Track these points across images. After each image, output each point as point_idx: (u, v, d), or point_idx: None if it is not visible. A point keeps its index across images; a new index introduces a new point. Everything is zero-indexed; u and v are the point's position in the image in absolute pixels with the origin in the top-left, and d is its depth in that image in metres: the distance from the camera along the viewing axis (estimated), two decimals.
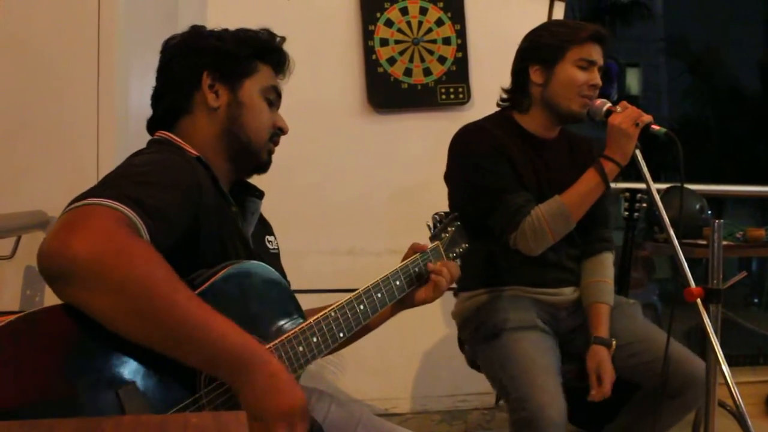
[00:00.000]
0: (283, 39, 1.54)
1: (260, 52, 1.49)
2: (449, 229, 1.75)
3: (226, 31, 1.50)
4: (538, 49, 2.14)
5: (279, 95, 1.54)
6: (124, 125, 2.28)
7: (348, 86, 3.07)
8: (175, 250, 1.16)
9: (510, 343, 2.03)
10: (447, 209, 2.33)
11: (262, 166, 1.53)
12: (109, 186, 1.15)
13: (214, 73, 1.45)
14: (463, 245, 1.77)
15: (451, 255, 1.72)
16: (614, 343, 2.07)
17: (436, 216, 1.74)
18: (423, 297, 1.62)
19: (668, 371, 1.96)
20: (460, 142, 2.17)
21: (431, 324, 2.93)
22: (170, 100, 1.47)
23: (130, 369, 1.09)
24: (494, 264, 2.15)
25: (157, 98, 1.50)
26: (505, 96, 2.24)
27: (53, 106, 2.23)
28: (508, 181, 2.07)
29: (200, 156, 1.40)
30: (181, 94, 1.46)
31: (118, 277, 1.03)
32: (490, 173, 2.07)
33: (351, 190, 3.06)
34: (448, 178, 2.23)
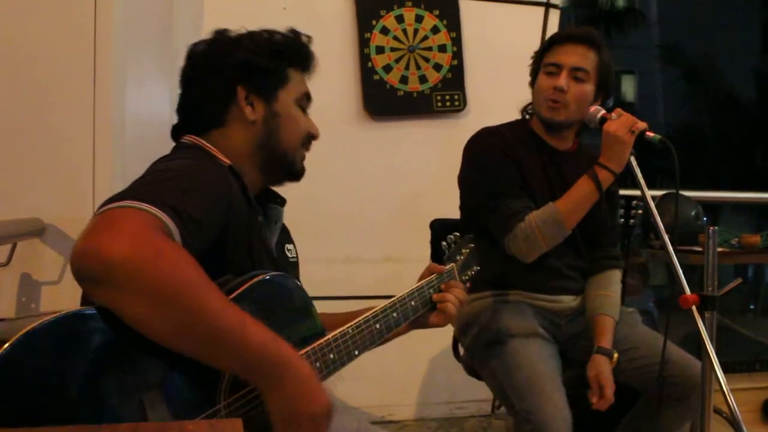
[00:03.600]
0: (310, 38, 1.54)
1: (291, 59, 1.49)
2: (463, 251, 1.76)
3: (252, 37, 1.47)
4: (531, 65, 2.22)
5: (310, 99, 1.56)
6: (120, 132, 2.28)
7: (344, 94, 3.07)
8: (205, 256, 1.15)
9: (513, 352, 2.02)
10: (443, 216, 2.35)
11: (297, 174, 1.53)
12: (142, 190, 1.14)
13: (249, 86, 1.44)
14: (475, 268, 1.78)
15: (463, 278, 1.73)
16: (616, 356, 2.06)
17: (451, 237, 1.75)
18: (435, 322, 1.63)
19: (665, 375, 1.97)
20: (473, 144, 2.20)
21: (429, 332, 2.92)
22: (202, 113, 1.46)
23: (155, 375, 1.08)
24: (496, 268, 2.14)
25: (185, 108, 1.49)
26: (523, 111, 2.29)
27: (49, 113, 2.23)
28: (511, 187, 2.08)
29: (232, 165, 1.39)
30: (214, 108, 1.44)
31: (152, 280, 1.02)
32: (494, 175, 2.09)
33: (347, 197, 3.06)
34: (460, 179, 2.24)
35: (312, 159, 3.02)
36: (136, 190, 1.14)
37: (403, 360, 3.12)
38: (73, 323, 1.02)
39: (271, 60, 1.45)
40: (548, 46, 2.16)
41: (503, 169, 2.09)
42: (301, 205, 2.96)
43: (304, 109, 1.53)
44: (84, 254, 1.01)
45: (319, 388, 1.16)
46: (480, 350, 2.14)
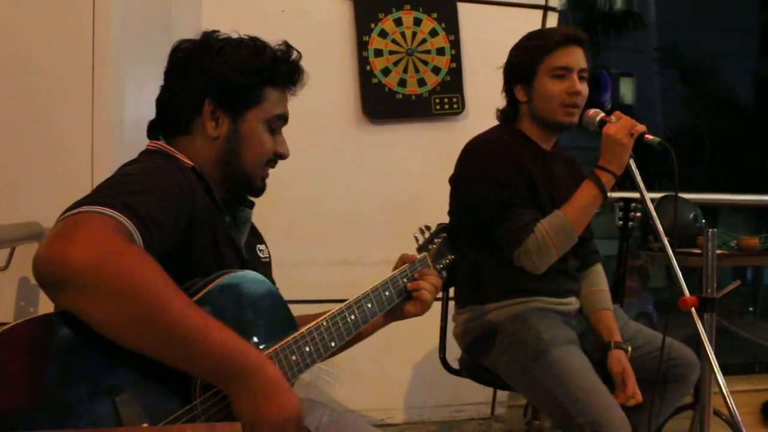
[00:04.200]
0: (300, 55, 1.49)
1: (270, 79, 1.45)
2: (436, 240, 1.75)
3: (236, 49, 1.43)
4: (514, 69, 2.17)
5: (285, 120, 1.51)
6: (119, 136, 2.28)
7: (342, 97, 3.07)
8: (169, 257, 1.16)
9: (560, 362, 1.98)
10: (443, 219, 2.35)
11: (255, 192, 1.51)
12: (103, 194, 1.15)
13: (217, 101, 1.41)
14: (449, 257, 1.77)
15: (438, 266, 1.73)
16: (630, 348, 2.10)
17: (422, 227, 1.75)
18: (411, 311, 1.61)
19: (664, 359, 2.00)
20: (477, 153, 2.14)
21: (427, 334, 2.92)
22: (172, 114, 1.45)
23: (126, 378, 1.09)
24: (510, 274, 2.09)
25: (160, 103, 1.47)
26: (500, 116, 2.24)
27: (48, 117, 2.23)
28: (520, 197, 2.05)
29: (194, 166, 1.39)
30: (182, 114, 1.43)
31: (113, 283, 1.03)
32: (501, 186, 2.05)
33: (346, 200, 3.06)
34: (457, 184, 2.20)
35: (311, 162, 3.03)
36: (97, 195, 1.15)
37: (402, 363, 3.12)
38: (43, 326, 1.03)
39: (247, 78, 1.42)
40: (552, 48, 2.09)
41: (510, 179, 2.05)
42: (300, 207, 2.98)
43: (274, 130, 1.48)
44: (45, 260, 1.03)
45: (286, 391, 1.15)
46: (516, 362, 2.07)
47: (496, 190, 2.05)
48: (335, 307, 1.44)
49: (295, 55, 1.49)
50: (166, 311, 1.06)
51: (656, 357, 2.00)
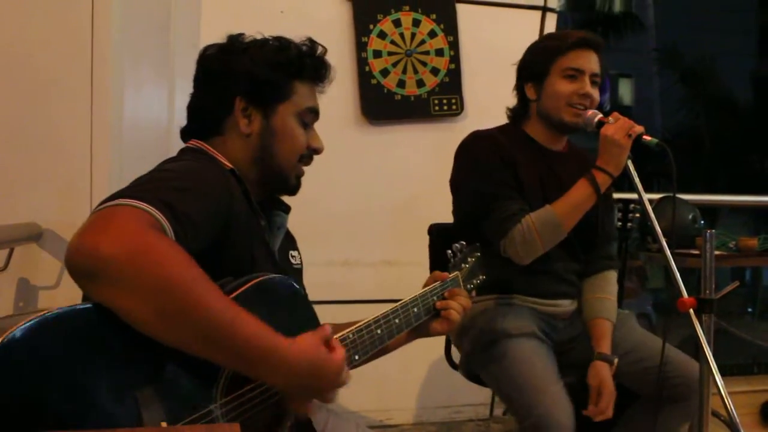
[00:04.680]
0: (325, 50, 1.51)
1: (297, 73, 1.46)
2: (469, 259, 1.75)
3: (262, 47, 1.45)
4: (528, 67, 2.18)
5: (316, 114, 1.53)
6: (118, 137, 2.28)
7: (341, 98, 3.07)
8: (203, 257, 1.16)
9: (510, 351, 2.02)
10: (440, 221, 2.35)
11: (290, 190, 1.52)
12: (142, 188, 1.16)
13: (247, 98, 1.42)
14: (481, 277, 1.77)
15: (468, 286, 1.73)
16: (616, 361, 2.06)
17: (456, 246, 1.73)
18: (437, 329, 1.61)
19: (664, 377, 1.97)
20: (466, 148, 2.17)
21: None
22: (204, 118, 1.46)
23: (150, 373, 1.08)
24: (493, 272, 2.14)
25: (191, 109, 1.49)
26: (510, 114, 2.26)
27: (47, 118, 2.23)
28: (506, 189, 2.07)
29: (234, 169, 1.40)
30: (214, 116, 1.44)
31: (144, 275, 1.03)
32: (488, 179, 2.07)
33: (345, 201, 3.06)
34: (453, 183, 2.22)
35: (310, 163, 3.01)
36: (132, 189, 1.16)
37: (401, 364, 3.11)
38: (68, 319, 1.02)
39: (274, 72, 1.43)
40: (568, 49, 2.10)
41: (497, 171, 2.07)
42: (299, 208, 2.96)
43: (307, 124, 1.50)
44: (77, 251, 1.03)
45: (325, 356, 1.18)
46: (478, 352, 2.14)
47: (484, 182, 2.07)
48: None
49: (320, 50, 1.50)
50: (197, 301, 1.06)
51: (653, 373, 1.97)
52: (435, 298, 1.60)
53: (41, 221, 2.16)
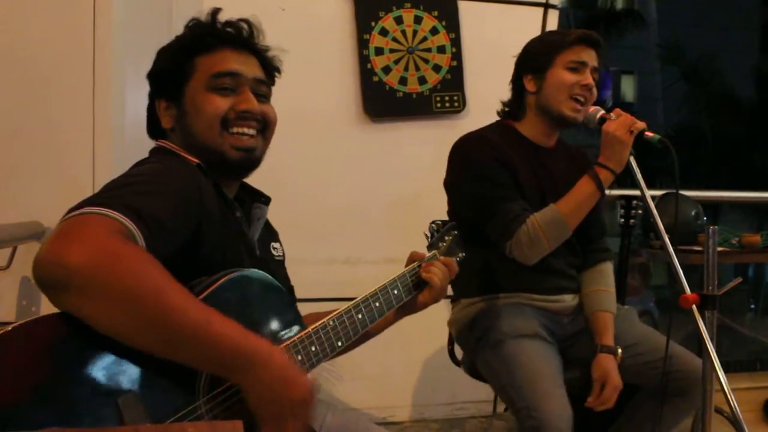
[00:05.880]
0: (220, 9, 1.49)
1: (195, 50, 1.43)
2: (446, 238, 1.75)
3: (168, 44, 1.48)
4: (530, 59, 2.18)
5: (234, 75, 1.42)
6: (120, 135, 2.28)
7: (343, 95, 3.07)
8: (176, 257, 1.16)
9: (514, 352, 2.03)
10: (443, 217, 2.35)
11: (238, 164, 1.43)
12: (107, 195, 1.16)
13: (164, 96, 1.46)
14: (460, 254, 1.77)
15: None
16: (620, 351, 2.07)
17: (433, 225, 1.74)
18: (423, 300, 1.60)
19: (667, 372, 1.97)
20: (461, 151, 2.17)
21: (429, 332, 2.92)
22: (152, 124, 1.51)
23: (128, 377, 1.08)
24: (494, 271, 2.15)
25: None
26: (504, 108, 2.25)
27: (49, 116, 2.23)
28: (507, 191, 2.07)
29: (200, 163, 1.39)
30: (154, 121, 1.49)
31: (112, 284, 1.03)
32: (490, 183, 2.07)
33: (347, 198, 3.06)
34: (448, 185, 2.23)
35: (312, 160, 3.03)
36: (99, 196, 1.15)
37: (403, 360, 3.12)
38: (47, 326, 1.03)
39: (171, 61, 1.45)
40: (572, 43, 2.11)
41: (498, 176, 2.07)
42: (301, 205, 2.98)
43: (227, 89, 1.41)
44: (45, 261, 1.03)
45: (297, 374, 1.16)
46: (481, 352, 2.14)
47: (483, 186, 2.08)
48: (339, 306, 1.44)
49: (220, 14, 1.48)
50: (167, 307, 1.06)
51: (659, 367, 1.98)
52: (413, 278, 1.60)
53: (44, 220, 2.16)
